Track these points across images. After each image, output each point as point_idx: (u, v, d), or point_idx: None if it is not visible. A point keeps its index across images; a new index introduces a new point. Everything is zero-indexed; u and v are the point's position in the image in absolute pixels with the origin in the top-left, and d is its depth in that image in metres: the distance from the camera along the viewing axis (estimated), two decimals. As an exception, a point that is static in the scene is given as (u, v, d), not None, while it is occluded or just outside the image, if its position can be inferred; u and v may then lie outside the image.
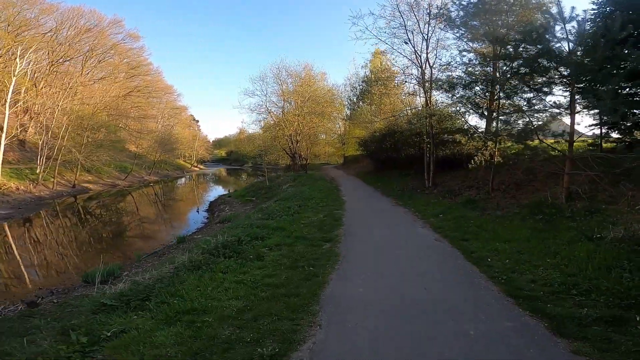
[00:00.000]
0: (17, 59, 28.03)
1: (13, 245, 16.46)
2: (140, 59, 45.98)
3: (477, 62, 15.38)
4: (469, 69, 15.28)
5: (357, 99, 39.23)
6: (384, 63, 34.43)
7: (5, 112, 28.57)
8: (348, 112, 40.81)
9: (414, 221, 10.08)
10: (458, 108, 14.54)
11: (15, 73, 27.78)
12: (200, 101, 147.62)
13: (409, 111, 18.64)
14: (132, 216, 24.75)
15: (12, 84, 27.79)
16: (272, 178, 28.72)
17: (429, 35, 16.17)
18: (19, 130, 35.03)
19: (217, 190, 37.10)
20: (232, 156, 79.49)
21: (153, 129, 51.29)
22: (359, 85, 38.69)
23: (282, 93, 30.47)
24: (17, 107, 36.41)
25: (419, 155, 18.83)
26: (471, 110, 14.52)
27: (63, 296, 7.39)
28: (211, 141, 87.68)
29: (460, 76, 14.57)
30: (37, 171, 32.11)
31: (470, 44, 16.01)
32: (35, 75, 36.45)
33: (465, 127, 15.71)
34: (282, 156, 37.59)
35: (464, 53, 15.77)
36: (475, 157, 11.48)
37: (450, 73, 15.78)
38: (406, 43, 16.20)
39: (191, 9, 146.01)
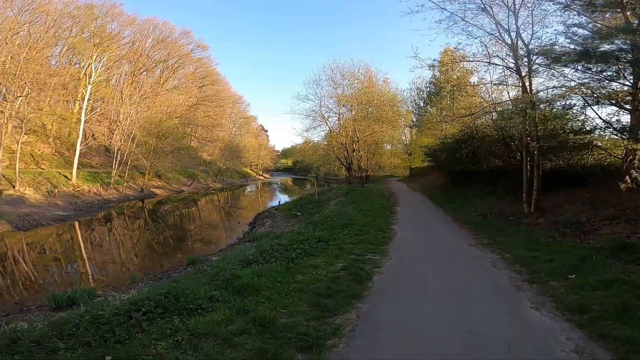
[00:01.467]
0: (92, 68, 29.58)
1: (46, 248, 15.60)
2: (210, 69, 47.12)
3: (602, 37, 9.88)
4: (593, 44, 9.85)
5: (424, 102, 33.95)
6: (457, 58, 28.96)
7: (81, 119, 30.26)
8: (414, 118, 35.70)
9: (518, 288, 5.16)
10: (582, 95, 9.20)
11: (91, 81, 29.31)
12: (268, 110, 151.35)
13: (495, 107, 13.44)
14: (175, 225, 23.38)
15: (88, 91, 29.33)
16: (323, 191, 25.19)
17: (517, 8, 11.06)
18: (92, 136, 37.57)
19: (276, 200, 34.97)
20: (297, 166, 78.77)
21: (222, 137, 52.12)
22: (426, 88, 33.44)
23: (338, 97, 27.09)
24: (95, 114, 39.43)
25: (509, 167, 13.53)
26: (604, 100, 9.13)
27: None
28: (279, 150, 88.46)
29: (584, 49, 9.28)
30: (114, 176, 33.62)
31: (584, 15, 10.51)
32: (119, 85, 39.00)
33: (587, 125, 10.24)
34: (341, 167, 33.91)
35: (575, 29, 10.33)
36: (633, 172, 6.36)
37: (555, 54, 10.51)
38: (487, 12, 11.28)
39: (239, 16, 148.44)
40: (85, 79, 29.66)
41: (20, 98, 34.27)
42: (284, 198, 37.05)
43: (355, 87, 27.22)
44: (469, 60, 13.64)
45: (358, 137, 27.06)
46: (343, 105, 27.59)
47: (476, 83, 22.91)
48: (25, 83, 33.33)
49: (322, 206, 20.69)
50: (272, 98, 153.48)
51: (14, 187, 25.45)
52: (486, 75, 26.69)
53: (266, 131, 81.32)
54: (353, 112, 27.58)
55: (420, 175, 31.58)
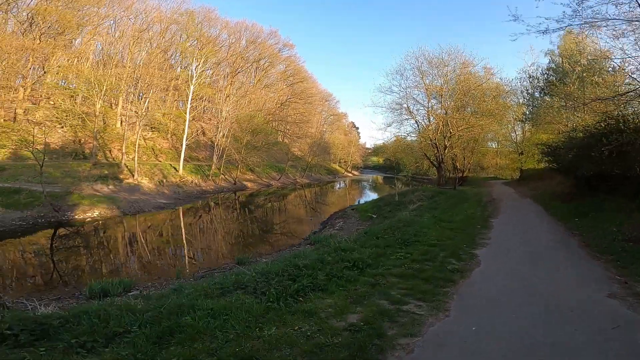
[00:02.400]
0: (194, 70, 32.39)
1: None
2: (297, 66, 47.66)
3: None
4: None
5: (540, 92, 27.12)
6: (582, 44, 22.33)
7: (186, 117, 33.49)
8: (527, 111, 29.00)
9: None
10: None
11: (193, 82, 32.15)
12: (357, 107, 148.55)
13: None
14: (255, 218, 23.51)
15: (191, 92, 32.25)
16: (406, 193, 22.14)
17: None
18: (202, 132, 41.52)
19: (359, 199, 33.12)
20: (387, 164, 75.01)
21: (311, 133, 52.60)
22: (543, 75, 26.64)
23: (426, 86, 23.27)
24: (203, 112, 43.62)
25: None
26: None
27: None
28: (370, 148, 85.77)
29: None
30: (213, 169, 36.69)
31: None
32: (218, 84, 42.41)
33: None
34: (431, 166, 29.93)
35: None
36: None
37: None
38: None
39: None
40: (189, 80, 32.59)
41: (147, 99, 40.03)
42: (368, 197, 34.87)
43: (446, 76, 23.06)
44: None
45: (450, 132, 22.93)
46: (432, 97, 23.77)
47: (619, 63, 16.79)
48: (149, 86, 38.87)
49: (401, 209, 17.94)
50: (359, 94, 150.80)
51: (133, 176, 29.49)
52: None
53: (357, 128, 79.71)
54: (443, 104, 23.49)
55: (533, 179, 25.45)
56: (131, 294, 7.87)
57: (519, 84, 28.02)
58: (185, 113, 39.66)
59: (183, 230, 18.85)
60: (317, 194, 37.87)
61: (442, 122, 22.95)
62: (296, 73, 48.84)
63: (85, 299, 7.31)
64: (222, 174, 36.92)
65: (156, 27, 41.15)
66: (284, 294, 4.05)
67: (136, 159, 29.54)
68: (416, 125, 24.34)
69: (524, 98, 28.51)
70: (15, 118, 28.99)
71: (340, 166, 64.58)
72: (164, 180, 30.89)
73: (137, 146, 29.66)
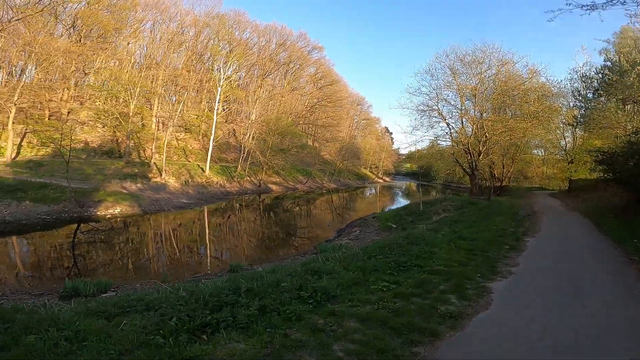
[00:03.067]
0: (221, 71, 32.49)
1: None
2: (327, 69, 46.62)
3: None
4: None
5: (594, 93, 23.60)
6: None
7: (214, 118, 33.70)
8: (579, 114, 25.46)
9: None
10: None
11: (220, 84, 32.26)
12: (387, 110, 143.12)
13: None
14: (270, 222, 22.59)
15: (219, 93, 32.39)
16: (433, 202, 20.14)
17: None
18: (234, 134, 41.76)
19: (386, 206, 31.22)
20: (421, 170, 71.44)
21: (342, 137, 51.31)
22: (597, 75, 23.20)
23: (458, 86, 20.89)
24: (230, 113, 43.88)
25: None
26: None
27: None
28: (403, 154, 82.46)
29: None
30: (238, 170, 36.68)
31: None
32: (248, 87, 42.55)
33: None
34: (465, 174, 27.40)
35: None
36: None
37: None
38: None
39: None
40: (217, 82, 32.79)
41: (182, 101, 41.08)
42: (395, 205, 32.83)
43: (481, 75, 20.50)
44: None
45: (486, 137, 20.47)
46: (466, 99, 21.38)
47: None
48: (182, 88, 39.88)
49: (424, 220, 16.13)
50: (393, 98, 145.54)
51: (161, 175, 30.03)
52: None
53: (390, 133, 76.94)
54: (478, 105, 21.00)
55: (584, 191, 22.21)
56: (105, 295, 7.29)
57: (569, 85, 24.76)
58: (218, 114, 40.20)
59: (194, 231, 18.42)
60: (342, 200, 36.43)
61: (477, 126, 20.59)
62: (326, 76, 47.90)
63: (59, 297, 6.98)
64: (248, 176, 36.75)
65: (190, 31, 42.36)
66: (186, 327, 2.88)
67: (164, 158, 30.07)
68: (448, 128, 22.14)
69: (576, 100, 25.07)
70: (59, 117, 30.71)
71: (371, 172, 62.47)
72: (190, 180, 31.20)
73: (164, 146, 30.22)
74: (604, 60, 22.78)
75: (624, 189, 16.08)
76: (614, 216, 14.41)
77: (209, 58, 38.79)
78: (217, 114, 32.62)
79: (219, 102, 32.79)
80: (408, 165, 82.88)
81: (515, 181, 42.27)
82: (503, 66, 20.02)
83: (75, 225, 17.51)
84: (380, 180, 60.98)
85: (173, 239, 16.52)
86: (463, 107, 20.85)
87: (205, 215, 23.14)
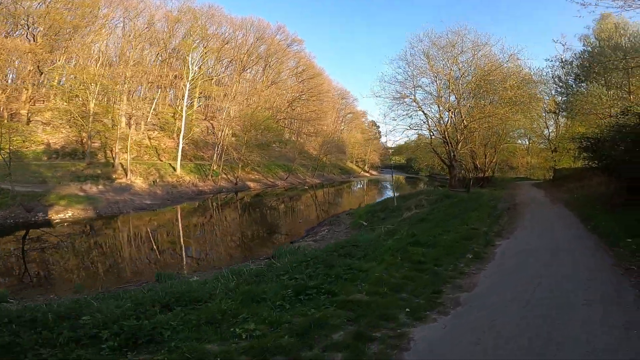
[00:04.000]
0: (190, 66, 30.31)
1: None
2: (307, 62, 44.64)
3: None
4: None
5: (575, 79, 22.11)
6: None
7: (183, 115, 31.57)
8: (560, 99, 23.96)
9: None
10: None
11: (189, 79, 30.12)
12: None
13: None
14: (236, 223, 20.70)
15: (187, 88, 30.26)
16: (409, 196, 18.53)
17: None
18: (213, 131, 39.63)
19: (367, 201, 29.50)
20: (409, 163, 69.96)
21: (326, 132, 49.44)
22: (577, 59, 21.75)
23: (433, 73, 19.06)
24: (205, 110, 41.64)
25: None
26: None
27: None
28: (391, 147, 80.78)
29: None
30: (213, 168, 34.65)
31: None
32: (222, 83, 40.37)
33: None
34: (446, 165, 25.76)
35: None
36: None
37: None
38: None
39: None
40: (185, 77, 30.65)
41: (155, 99, 38.79)
42: (377, 199, 31.17)
43: (455, 58, 18.71)
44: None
45: (464, 124, 18.82)
46: (442, 85, 19.56)
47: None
48: (158, 86, 37.55)
49: (396, 216, 14.51)
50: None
51: (127, 175, 27.93)
52: None
53: (377, 127, 75.07)
54: (454, 91, 19.23)
55: (569, 180, 20.82)
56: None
57: (550, 72, 23.26)
58: (187, 110, 37.94)
59: (142, 235, 16.50)
60: (322, 196, 34.66)
61: (453, 113, 18.93)
62: (307, 69, 45.86)
63: None
64: (224, 173, 34.77)
65: (161, 25, 39.93)
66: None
67: (129, 158, 27.95)
68: (425, 117, 20.41)
69: (557, 86, 23.56)
70: (20, 119, 28.32)
71: (357, 165, 60.79)
72: (159, 180, 29.15)
73: (130, 145, 28.07)
74: (583, 45, 21.36)
75: (611, 178, 14.61)
76: (601, 207, 12.94)
77: (179, 53, 36.48)
78: (186, 110, 30.46)
79: (188, 98, 30.62)
80: (396, 158, 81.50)
81: (501, 171, 41.04)
82: (479, 50, 18.34)
83: (23, 231, 15.69)
84: (367, 174, 59.35)
85: (116, 243, 14.64)
86: (439, 94, 19.15)
87: (167, 217, 21.21)
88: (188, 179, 31.31)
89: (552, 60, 23.93)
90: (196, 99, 41.20)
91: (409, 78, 20.19)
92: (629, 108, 10.11)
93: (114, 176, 27.56)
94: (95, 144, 31.64)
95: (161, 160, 33.64)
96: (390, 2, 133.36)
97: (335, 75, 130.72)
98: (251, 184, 35.18)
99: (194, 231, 17.61)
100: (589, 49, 21.48)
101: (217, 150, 33.95)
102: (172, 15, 40.01)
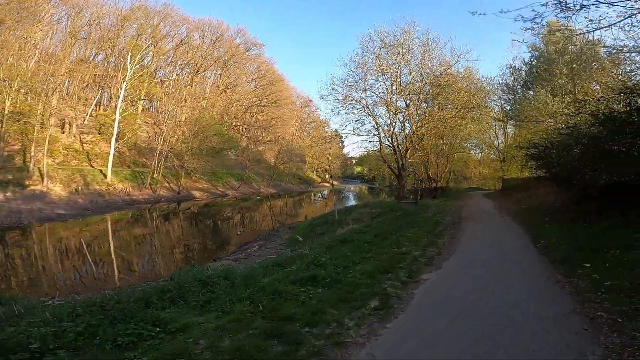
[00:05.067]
0: (128, 65, 26.96)
1: None
2: (268, 67, 42.51)
3: None
4: None
5: (523, 86, 21.79)
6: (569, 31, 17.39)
7: (116, 117, 27.95)
8: (509, 107, 23.56)
9: None
10: None
11: (125, 79, 26.74)
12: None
13: None
14: (156, 234, 17.51)
15: (123, 89, 26.84)
16: (353, 209, 16.61)
17: None
18: (162, 138, 35.87)
19: (320, 213, 27.20)
20: (371, 174, 69.27)
21: (282, 139, 47.07)
22: (526, 65, 21.45)
23: (383, 74, 17.46)
24: (148, 114, 37.91)
25: None
26: None
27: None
28: (354, 157, 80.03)
29: None
30: (154, 175, 31.01)
31: None
32: (175, 85, 37.02)
33: None
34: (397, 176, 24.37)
35: None
36: None
37: None
38: None
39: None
40: (121, 76, 27.20)
41: (95, 100, 34.44)
42: (328, 210, 29.08)
43: (402, 57, 17.26)
44: None
45: (414, 131, 17.37)
46: (390, 87, 18.00)
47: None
48: (99, 85, 33.43)
49: (332, 232, 12.38)
50: None
51: (43, 182, 23.78)
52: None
53: (341, 137, 74.11)
54: (402, 95, 17.77)
55: (517, 190, 20.07)
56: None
57: (500, 80, 22.81)
58: (123, 112, 34.05)
59: (29, 251, 13.01)
60: (273, 207, 32.02)
61: (402, 117, 17.45)
62: (266, 74, 43.61)
63: None
64: (167, 182, 31.23)
65: (109, 23, 36.11)
66: None
67: (46, 162, 23.81)
68: (375, 123, 18.73)
69: (505, 94, 23.14)
70: None
71: (317, 175, 58.89)
72: (84, 188, 25.17)
73: (46, 147, 23.94)
74: (530, 49, 21.14)
75: (560, 188, 13.56)
76: (550, 220, 11.65)
77: (123, 52, 32.80)
78: (120, 112, 26.89)
79: (123, 99, 27.10)
80: (359, 168, 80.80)
81: (455, 182, 40.84)
82: (428, 51, 17.06)
83: None
84: (327, 185, 57.52)
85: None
86: (388, 98, 17.60)
87: (72, 228, 17.63)
88: (121, 186, 27.49)
89: (502, 69, 23.76)
90: (140, 101, 37.42)
91: (359, 80, 18.55)
92: (579, 109, 8.77)
93: (27, 182, 23.31)
94: (15, 147, 27.09)
95: (92, 166, 29.51)
96: (359, 11, 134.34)
97: (299, 83, 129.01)
98: (197, 194, 31.87)
99: (97, 247, 14.33)
100: (537, 53, 21.22)
101: (157, 156, 30.41)
102: (121, 12, 36.34)
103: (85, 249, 13.60)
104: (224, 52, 39.31)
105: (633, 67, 11.15)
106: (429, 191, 26.07)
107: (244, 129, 43.07)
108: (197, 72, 39.66)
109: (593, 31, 5.82)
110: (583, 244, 7.36)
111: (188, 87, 38.13)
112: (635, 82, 6.30)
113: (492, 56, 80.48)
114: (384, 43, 17.05)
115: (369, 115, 18.21)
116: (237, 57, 41.70)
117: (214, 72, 42.13)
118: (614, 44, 5.80)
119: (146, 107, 40.33)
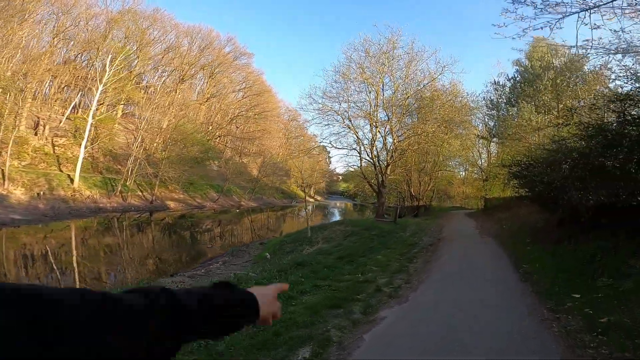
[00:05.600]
0: (107, 67, 25.77)
1: None
2: (255, 77, 41.95)
3: None
4: None
5: (506, 102, 21.59)
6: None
7: (88, 120, 26.49)
8: (492, 124, 23.30)
9: None
10: None
11: (103, 81, 25.49)
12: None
13: None
14: (113, 247, 15.83)
15: (99, 91, 25.53)
16: (327, 226, 15.56)
17: None
18: (135, 141, 34.33)
19: (298, 229, 25.90)
20: (354, 190, 68.49)
21: (267, 152, 45.98)
22: (509, 81, 21.30)
23: (365, 81, 16.77)
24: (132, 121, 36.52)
25: None
26: None
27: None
28: (341, 173, 79.38)
29: None
30: (127, 183, 29.33)
31: None
32: (158, 91, 35.86)
33: None
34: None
35: None
36: None
37: None
38: None
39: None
40: (97, 78, 25.96)
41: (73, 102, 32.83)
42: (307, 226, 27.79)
43: (390, 67, 16.74)
44: None
45: (395, 147, 16.62)
46: (373, 99, 17.30)
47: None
48: (78, 87, 31.91)
49: (300, 250, 11.24)
50: None
51: (4, 185, 21.93)
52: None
53: (328, 152, 73.58)
54: (385, 108, 17.03)
55: (500, 209, 19.46)
56: None
57: (485, 96, 22.61)
58: (97, 115, 32.49)
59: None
60: (252, 221, 30.59)
61: (383, 131, 16.74)
62: (254, 85, 42.91)
63: None
64: (140, 190, 29.55)
65: (97, 25, 35.03)
66: None
67: (8, 163, 22.04)
68: (356, 136, 17.90)
69: (489, 109, 22.88)
70: None
71: (302, 190, 57.62)
72: (48, 193, 23.34)
73: (9, 149, 22.21)
74: (514, 65, 21.05)
75: (542, 209, 12.87)
76: (531, 241, 10.85)
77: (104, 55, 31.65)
78: (93, 115, 25.49)
79: (97, 102, 25.79)
80: (344, 184, 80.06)
81: (439, 200, 40.32)
82: (413, 62, 16.50)
83: None
84: (312, 200, 56.31)
85: None
86: (370, 109, 16.88)
87: (26, 236, 15.87)
88: (88, 193, 25.71)
89: (487, 86, 23.71)
90: (120, 106, 36.03)
91: (341, 92, 17.82)
92: (568, 119, 8.07)
93: (-16, 185, 21.48)
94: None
95: (61, 171, 27.67)
96: (350, 23, 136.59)
97: (287, 95, 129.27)
98: (172, 204, 30.22)
99: (36, 256, 12.69)
100: (522, 69, 21.12)
101: (131, 163, 28.87)
102: (110, 14, 35.39)
103: (21, 259, 11.98)
104: (211, 60, 38.56)
105: (627, 73, 10.74)
106: (411, 209, 25.28)
107: (228, 140, 41.92)
108: (182, 79, 38.67)
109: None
110: (570, 269, 6.50)
111: (172, 93, 37.02)
112: (631, 90, 5.58)
113: (478, 69, 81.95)
114: (368, 53, 16.49)
115: (349, 128, 17.43)
116: (224, 66, 40.99)
117: (202, 80, 41.27)
118: (605, 47, 5.08)
119: (131, 112, 38.94)
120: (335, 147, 18.10)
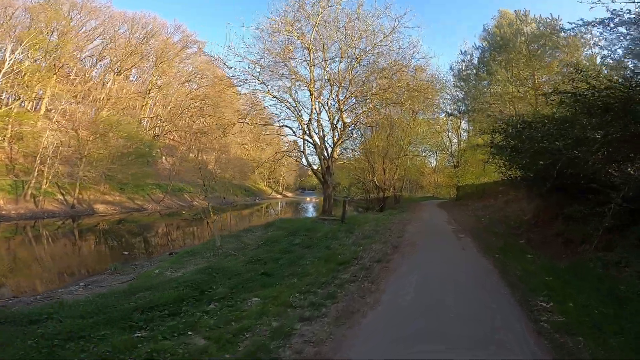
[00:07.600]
0: (7, 57, 20.57)
1: None
2: (209, 67, 37.09)
3: None
4: None
5: (475, 74, 18.27)
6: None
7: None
8: (461, 96, 20.00)
9: None
10: None
11: (1, 72, 20.26)
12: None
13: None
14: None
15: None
16: (268, 224, 11.55)
17: None
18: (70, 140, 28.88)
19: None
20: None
21: (224, 147, 41.17)
22: (477, 49, 18.08)
23: (289, 32, 12.81)
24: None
25: None
26: None
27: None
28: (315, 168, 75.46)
29: None
30: (43, 187, 24.07)
31: None
32: (84, 82, 30.44)
33: None
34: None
35: None
36: None
37: None
38: None
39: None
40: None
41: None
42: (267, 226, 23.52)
43: (320, 17, 12.68)
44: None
45: (342, 121, 12.76)
46: (316, 63, 13.29)
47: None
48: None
49: (196, 262, 7.11)
50: None
51: None
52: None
53: (300, 146, 69.46)
54: (326, 71, 13.14)
55: (473, 198, 16.11)
56: None
57: (451, 67, 19.27)
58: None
59: None
60: (189, 225, 25.48)
61: (329, 102, 12.80)
62: (206, 75, 38.05)
63: None
64: (62, 193, 24.31)
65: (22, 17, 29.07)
66: None
67: None
68: (295, 108, 13.88)
69: (456, 81, 19.52)
70: None
71: (269, 186, 53.24)
72: None
73: None
74: (483, 32, 17.85)
75: (529, 193, 9.42)
76: (527, 245, 7.43)
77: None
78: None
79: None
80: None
81: (410, 191, 37.15)
82: (356, 19, 12.58)
83: None
84: (279, 196, 51.97)
85: None
86: (309, 77, 12.85)
87: None
88: (-13, 199, 20.39)
89: (453, 65, 20.59)
90: (44, 100, 30.30)
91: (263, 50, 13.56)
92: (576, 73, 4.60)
93: None
94: None
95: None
96: None
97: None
98: (101, 208, 25.17)
99: None
100: (491, 33, 17.91)
101: (46, 163, 23.57)
102: (30, 5, 29.45)
103: None
104: (155, 50, 33.48)
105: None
106: (377, 201, 21.71)
107: (184, 135, 37.03)
108: (119, 71, 33.32)
109: None
110: (584, 286, 3.04)
111: (106, 86, 31.66)
112: None
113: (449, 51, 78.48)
114: (303, 8, 12.45)
115: (270, 95, 13.34)
116: (170, 55, 35.91)
117: (145, 71, 35.97)
118: None
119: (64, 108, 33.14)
120: (268, 125, 14.09)
